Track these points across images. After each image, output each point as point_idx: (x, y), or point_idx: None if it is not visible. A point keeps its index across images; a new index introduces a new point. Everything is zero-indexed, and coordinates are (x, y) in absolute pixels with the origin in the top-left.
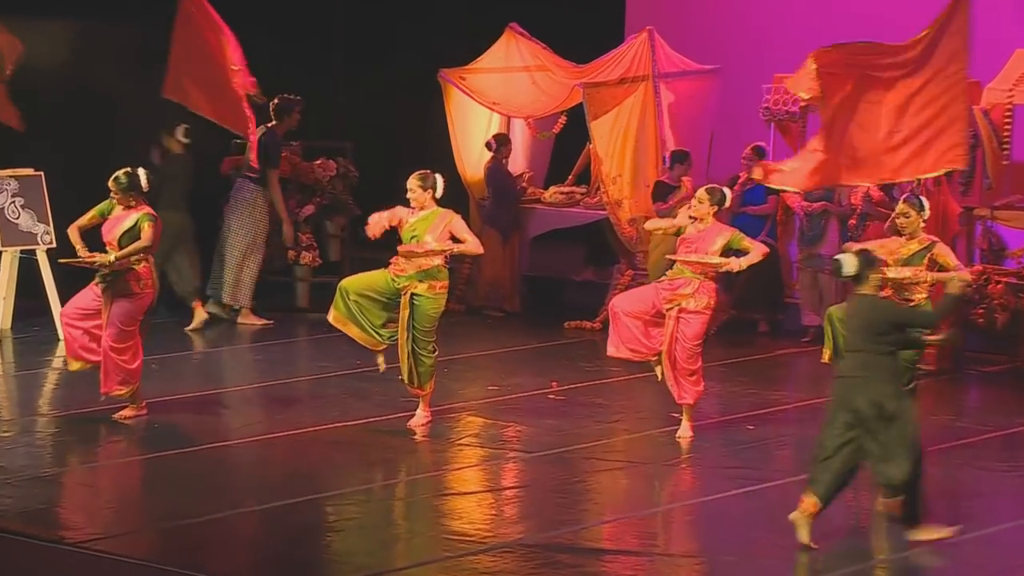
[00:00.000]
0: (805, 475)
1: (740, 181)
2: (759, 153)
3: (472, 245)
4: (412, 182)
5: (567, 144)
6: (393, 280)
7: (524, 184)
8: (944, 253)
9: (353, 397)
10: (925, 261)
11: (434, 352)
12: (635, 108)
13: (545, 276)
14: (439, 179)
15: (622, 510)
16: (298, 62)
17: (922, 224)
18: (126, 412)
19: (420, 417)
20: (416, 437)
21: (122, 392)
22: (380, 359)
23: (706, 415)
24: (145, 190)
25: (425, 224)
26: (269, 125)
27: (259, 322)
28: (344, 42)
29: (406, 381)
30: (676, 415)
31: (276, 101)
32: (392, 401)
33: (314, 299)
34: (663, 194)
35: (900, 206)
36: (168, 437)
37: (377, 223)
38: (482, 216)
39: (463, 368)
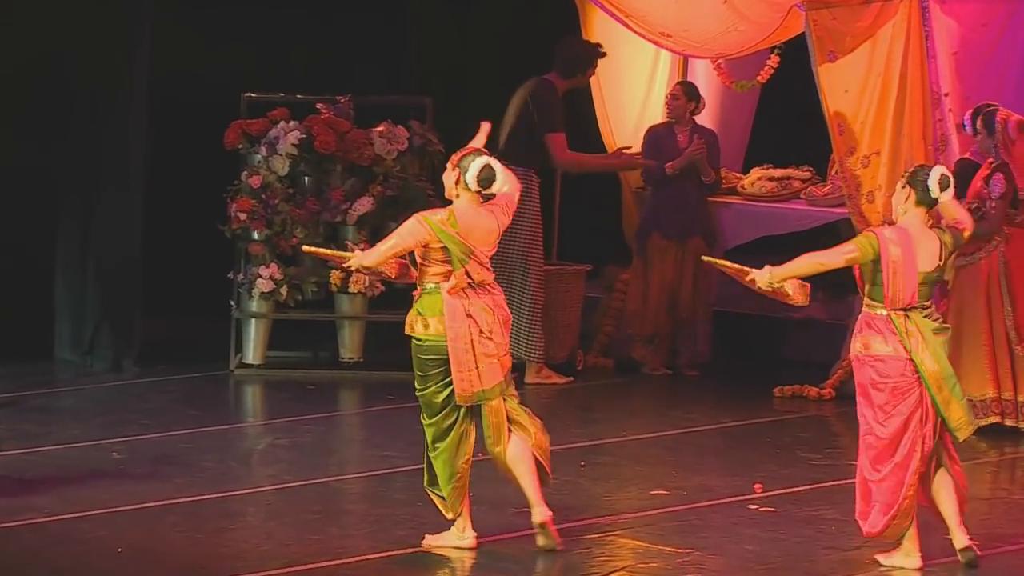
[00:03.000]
0: None
1: None
2: None
3: None
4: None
5: (779, 101)
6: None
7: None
8: None
9: (432, 506)
10: None
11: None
12: (895, 43)
13: (742, 312)
14: (477, 161)
15: None
16: None
17: None
18: None
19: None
20: (541, 567)
21: None
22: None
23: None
24: None
25: None
26: (547, 76)
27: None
28: None
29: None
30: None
31: (568, 49)
32: (497, 512)
33: (370, 348)
34: (965, 179)
35: None
36: (145, 569)
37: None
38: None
39: (611, 462)
